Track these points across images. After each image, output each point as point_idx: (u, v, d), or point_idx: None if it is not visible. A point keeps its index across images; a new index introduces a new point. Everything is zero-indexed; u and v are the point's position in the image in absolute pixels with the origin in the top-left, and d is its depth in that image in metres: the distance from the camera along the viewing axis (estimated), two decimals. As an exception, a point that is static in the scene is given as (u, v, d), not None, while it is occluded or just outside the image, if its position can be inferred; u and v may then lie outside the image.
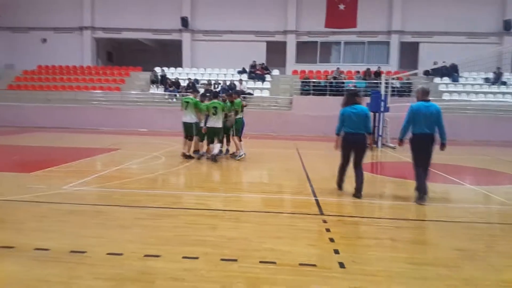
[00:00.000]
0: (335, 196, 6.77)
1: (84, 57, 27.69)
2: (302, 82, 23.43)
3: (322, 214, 5.62)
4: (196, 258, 3.92)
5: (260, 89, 23.68)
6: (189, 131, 10.64)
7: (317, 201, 6.38)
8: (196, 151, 10.91)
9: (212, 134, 10.31)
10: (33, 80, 25.17)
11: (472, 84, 23.08)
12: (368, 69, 23.97)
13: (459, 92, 22.23)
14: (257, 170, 9.74)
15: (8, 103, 22.10)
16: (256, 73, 24.60)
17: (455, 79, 23.32)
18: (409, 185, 7.39)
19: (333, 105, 19.46)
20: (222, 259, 3.91)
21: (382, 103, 15.00)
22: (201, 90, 16.48)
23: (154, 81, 24.33)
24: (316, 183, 7.81)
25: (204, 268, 3.71)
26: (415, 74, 22.97)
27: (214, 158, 10.24)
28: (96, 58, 28.58)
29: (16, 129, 19.29)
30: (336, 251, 4.19)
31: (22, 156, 11.17)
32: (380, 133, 15.08)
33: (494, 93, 22.09)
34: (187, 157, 10.62)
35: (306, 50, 26.91)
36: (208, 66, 26.14)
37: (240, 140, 11.04)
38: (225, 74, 25.17)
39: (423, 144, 6.34)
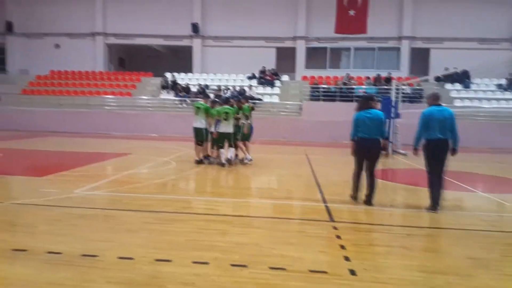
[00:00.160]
0: (346, 202, 6.72)
1: (96, 63, 28.03)
2: (312, 87, 23.41)
3: (332, 220, 5.59)
4: (206, 263, 3.92)
5: (269, 95, 23.70)
6: (200, 136, 10.69)
7: (327, 207, 6.34)
8: (207, 156, 10.95)
9: (223, 139, 10.38)
10: (46, 85, 25.50)
11: (484, 91, 22.85)
12: (379, 75, 23.89)
13: (470, 99, 22.01)
14: (266, 175, 9.73)
15: (22, 108, 22.41)
16: (266, 78, 24.65)
17: (466, 85, 23.11)
18: (421, 192, 7.32)
19: (343, 111, 19.48)
20: (232, 265, 3.90)
21: (393, 110, 14.91)
22: (212, 96, 16.55)
23: (164, 87, 24.51)
24: (326, 189, 7.78)
25: (214, 273, 3.71)
26: (426, 80, 22.83)
27: (229, 162, 10.37)
28: (108, 64, 28.89)
29: (29, 133, 19.54)
30: (347, 258, 4.16)
31: (34, 160, 11.30)
32: (391, 140, 14.99)
33: (507, 100, 21.84)
34: (198, 162, 10.68)
35: (315, 56, 26.92)
36: (218, 71, 26.26)
37: (245, 145, 11.11)
38: (234, 80, 25.26)
39: (437, 150, 6.18)
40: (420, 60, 25.82)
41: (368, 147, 6.46)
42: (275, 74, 25.14)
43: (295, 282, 3.59)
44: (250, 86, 23.43)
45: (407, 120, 14.77)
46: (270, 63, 26.01)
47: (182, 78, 25.72)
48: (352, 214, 6.03)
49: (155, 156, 12.00)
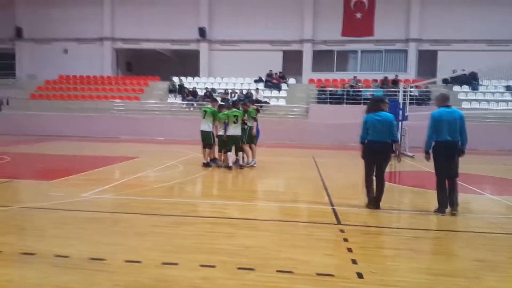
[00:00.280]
0: (353, 205, 6.69)
1: (104, 67, 28.26)
2: (319, 90, 23.40)
3: (339, 223, 5.57)
4: (213, 266, 3.93)
5: (276, 98, 23.73)
6: (207, 139, 10.75)
7: (334, 210, 6.32)
8: (214, 159, 10.99)
9: (231, 142, 10.47)
10: (54, 89, 25.77)
11: (493, 93, 22.67)
12: (386, 77, 23.81)
13: (479, 101, 21.85)
14: (273, 178, 9.73)
15: (30, 112, 22.66)
16: (273, 82, 24.68)
17: (474, 87, 22.95)
18: (429, 195, 7.28)
19: (350, 113, 19.47)
20: (239, 268, 3.91)
21: (400, 112, 14.85)
22: (219, 99, 16.60)
23: (172, 91, 24.64)
24: (334, 192, 7.76)
25: (222, 276, 3.71)
26: (434, 83, 22.72)
27: (239, 166, 10.53)
28: (116, 68, 29.12)
29: (37, 138, 19.73)
30: (354, 261, 4.14)
31: (42, 164, 11.41)
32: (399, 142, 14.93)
33: (516, 101, 21.65)
34: (205, 165, 10.73)
35: (322, 59, 26.91)
36: (225, 75, 26.36)
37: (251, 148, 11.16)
38: (241, 83, 25.32)
39: (446, 152, 6.08)
40: (427, 62, 25.70)
41: (378, 151, 6.30)
42: (283, 77, 25.17)
43: (302, 285, 3.58)
44: (257, 90, 23.48)
45: (415, 122, 14.71)
46: (277, 67, 26.07)
47: (189, 82, 25.86)
48: (359, 217, 6.00)
49: (162, 160, 12.05)
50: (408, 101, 15.84)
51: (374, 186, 6.43)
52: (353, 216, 6.03)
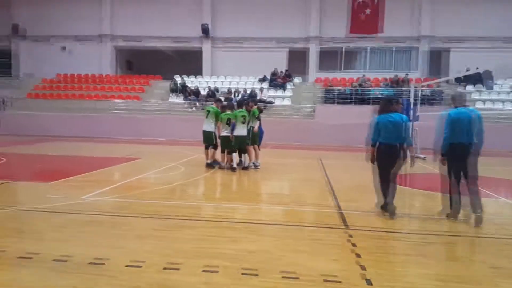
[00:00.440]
0: (361, 208, 6.68)
1: (103, 66, 28.39)
2: (326, 90, 23.37)
3: (347, 227, 5.56)
4: (216, 271, 3.94)
5: (281, 98, 23.73)
6: (209, 140, 10.80)
7: (341, 213, 6.31)
8: (215, 161, 11.01)
9: (237, 143, 10.52)
10: (52, 88, 25.91)
11: (508, 92, 22.54)
12: (396, 76, 23.75)
13: (493, 101, 21.74)
14: (278, 180, 9.74)
15: (27, 112, 22.77)
16: (278, 81, 24.68)
17: (489, 87, 22.82)
18: (440, 198, 7.23)
19: (358, 114, 19.38)
20: (243, 273, 3.91)
21: (411, 112, 14.80)
22: (222, 99, 16.62)
23: (173, 90, 24.70)
24: (341, 195, 7.75)
25: (224, 282, 3.72)
26: (446, 82, 22.61)
27: (243, 168, 10.59)
28: (115, 67, 29.25)
29: (35, 138, 19.83)
30: (363, 267, 4.13)
31: (41, 165, 11.47)
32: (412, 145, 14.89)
33: (532, 101, 21.52)
34: (208, 165, 10.79)
35: (329, 57, 26.89)
36: (229, 74, 26.41)
37: (259, 150, 11.17)
38: (245, 82, 25.35)
39: (460, 154, 5.91)
40: (439, 60, 25.63)
41: (390, 154, 6.13)
42: (288, 76, 25.15)
43: (307, 291, 3.58)
44: (261, 89, 23.50)
45: (426, 123, 14.64)
46: (282, 65, 26.06)
47: (191, 81, 25.92)
48: (368, 221, 5.98)
49: (163, 161, 12.09)
50: (419, 101, 15.77)
51: (387, 190, 6.24)
52: (362, 220, 6.02)
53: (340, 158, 14.78)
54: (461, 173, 6.01)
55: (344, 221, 5.88)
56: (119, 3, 28.02)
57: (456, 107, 6.08)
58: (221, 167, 10.76)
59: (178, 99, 24.10)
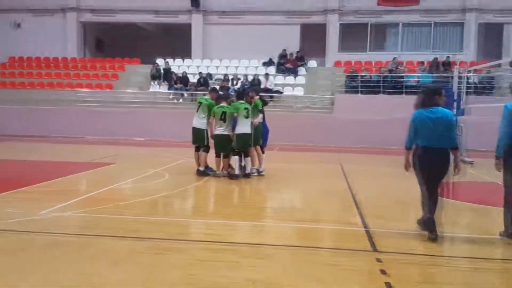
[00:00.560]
0: (393, 227, 6.68)
1: (67, 46, 28.38)
2: (348, 76, 23.36)
3: (375, 250, 5.57)
4: (211, 305, 3.95)
5: (292, 86, 23.73)
6: (199, 139, 10.77)
7: (368, 232, 6.31)
8: (208, 167, 10.99)
9: (241, 142, 10.42)
10: (4, 75, 25.99)
11: None
12: (436, 58, 23.72)
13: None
14: (287, 191, 9.75)
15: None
16: (287, 65, 24.67)
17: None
18: (494, 214, 7.23)
19: (388, 106, 19.41)
20: (244, 308, 3.93)
21: (455, 104, 14.79)
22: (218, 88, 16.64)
23: (155, 77, 24.71)
24: (367, 210, 7.74)
25: (221, 319, 3.73)
26: (498, 65, 22.55)
27: (247, 175, 10.53)
28: (82, 47, 29.26)
29: (-18, 138, 19.86)
30: (395, 300, 4.15)
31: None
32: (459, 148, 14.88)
33: None
34: (201, 173, 10.74)
35: (352, 35, 26.87)
36: (225, 56, 26.39)
37: (263, 152, 11.16)
38: (246, 67, 25.38)
39: None
40: (490, 39, 25.56)
41: (433, 160, 6.01)
42: (301, 59, 25.13)
43: (326, 330, 3.59)
44: (266, 75, 23.50)
45: (474, 118, 14.64)
46: (293, 45, 26.01)
47: (178, 66, 25.95)
48: (401, 242, 5.98)
49: (143, 167, 12.09)
50: (465, 90, 15.76)
51: (435, 205, 6.13)
52: (394, 241, 6.02)
53: (366, 163, 14.76)
54: None
55: (371, 242, 5.88)
56: (86, -32, 28.07)
57: None
58: (216, 176, 10.74)
59: (162, 88, 24.13)
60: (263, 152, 11.22)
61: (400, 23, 26.72)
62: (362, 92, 22.22)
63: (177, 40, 28.58)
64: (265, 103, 11.52)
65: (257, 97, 11.19)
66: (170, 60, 26.07)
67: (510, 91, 6.16)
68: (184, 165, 12.31)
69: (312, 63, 25.75)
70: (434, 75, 22.51)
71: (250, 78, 23.17)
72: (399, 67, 23.55)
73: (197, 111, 10.85)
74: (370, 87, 22.27)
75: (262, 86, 22.13)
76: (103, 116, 22.18)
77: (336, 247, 5.77)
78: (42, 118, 22.30)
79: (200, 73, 24.34)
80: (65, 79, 25.44)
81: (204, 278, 4.55)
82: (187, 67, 25.90)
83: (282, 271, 4.82)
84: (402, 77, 22.66)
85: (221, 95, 11.21)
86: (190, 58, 27.21)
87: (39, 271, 4.65)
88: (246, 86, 20.28)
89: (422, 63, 23.93)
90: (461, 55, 24.78)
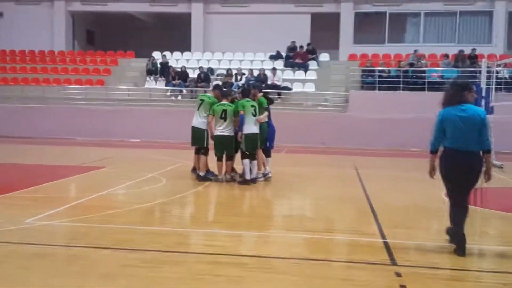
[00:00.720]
0: (414, 237, 6.66)
1: (55, 39, 28.45)
2: (364, 71, 23.32)
3: (394, 263, 5.55)
4: (212, 324, 3.95)
5: (302, 82, 23.71)
6: (199, 140, 10.76)
7: (386, 244, 6.29)
8: (210, 171, 10.99)
9: (250, 144, 10.37)
10: (-15, 70, 26.07)
11: None
12: (461, 51, 23.64)
13: None
14: (297, 198, 9.73)
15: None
16: (296, 60, 24.65)
17: None
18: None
19: (409, 104, 19.34)
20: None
21: (483, 101, 14.74)
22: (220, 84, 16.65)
23: (152, 72, 24.73)
24: (385, 219, 7.71)
25: None
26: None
27: (253, 180, 10.46)
28: (71, 40, 29.33)
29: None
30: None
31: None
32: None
33: None
34: (201, 178, 10.74)
35: (369, 25, 26.88)
36: (228, 49, 26.42)
37: (269, 155, 11.15)
38: (251, 61, 25.37)
39: None
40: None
41: (461, 165, 5.86)
42: (312, 52, 25.11)
43: None
44: (273, 70, 23.47)
45: (505, 117, 14.57)
46: (303, 37, 25.99)
47: (176, 60, 25.97)
48: (423, 255, 5.97)
49: (138, 171, 12.12)
50: (494, 86, 15.70)
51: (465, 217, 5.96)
52: (414, 253, 6.01)
53: (384, 166, 14.73)
54: None
55: (390, 255, 5.86)
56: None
57: None
58: (218, 181, 10.74)
59: (158, 85, 24.15)
60: (270, 155, 11.21)
61: (422, 12, 26.63)
62: (379, 89, 22.12)
63: (175, 32, 28.65)
64: (270, 101, 11.49)
65: (260, 94, 11.18)
66: (167, 54, 26.06)
67: None
68: (183, 169, 12.32)
69: (324, 57, 25.72)
70: (459, 69, 22.43)
71: (255, 73, 23.12)
72: (420, 61, 23.48)
73: (197, 109, 10.82)
74: (388, 83, 22.19)
75: (269, 82, 22.13)
76: (93, 115, 22.22)
77: (350, 260, 5.75)
78: (27, 117, 22.35)
79: (200, 67, 24.30)
80: (52, 74, 25.43)
81: (205, 293, 4.56)
82: (186, 61, 25.92)
83: (291, 285, 4.81)
84: (423, 71, 22.58)
85: (222, 92, 11.17)
86: (190, 51, 27.25)
87: (23, 285, 4.66)
88: (251, 82, 20.25)
89: (446, 56, 23.83)
90: (490, 47, 24.73)
